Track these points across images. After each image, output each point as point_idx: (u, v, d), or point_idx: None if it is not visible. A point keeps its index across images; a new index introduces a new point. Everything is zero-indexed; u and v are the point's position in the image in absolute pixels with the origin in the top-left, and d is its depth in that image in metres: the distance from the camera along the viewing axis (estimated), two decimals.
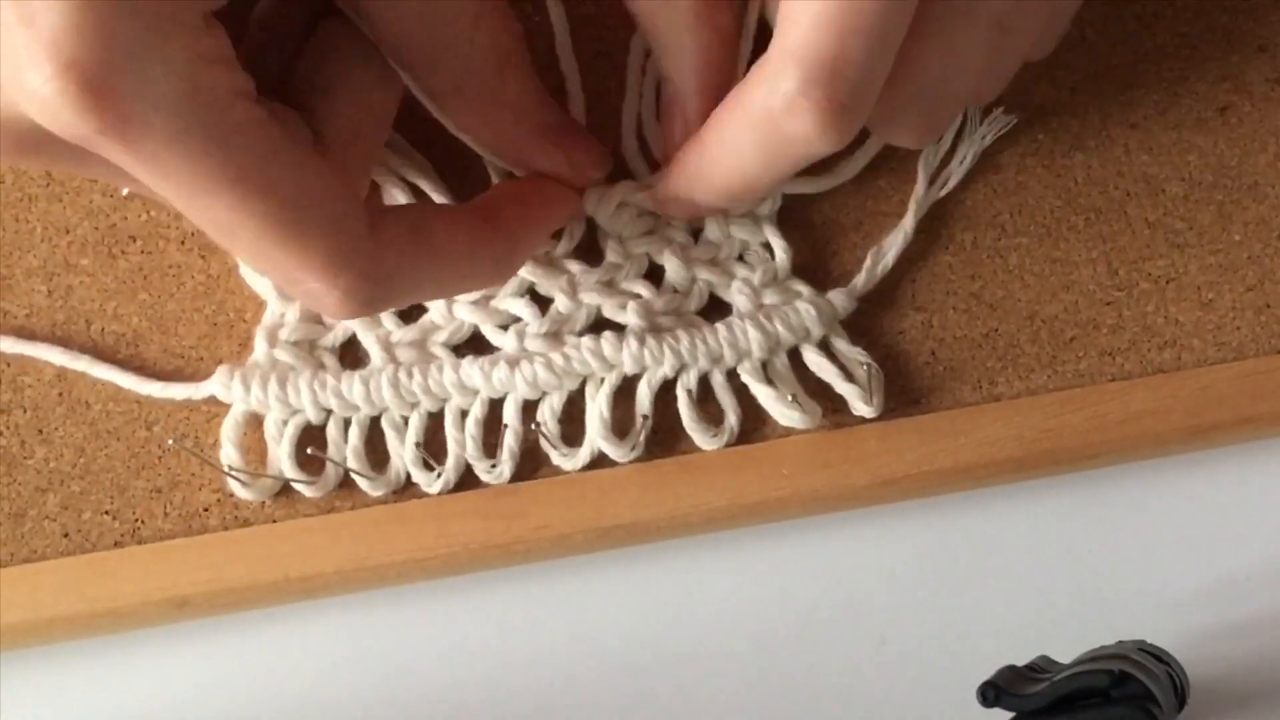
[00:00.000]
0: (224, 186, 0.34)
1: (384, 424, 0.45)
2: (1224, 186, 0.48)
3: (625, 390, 0.45)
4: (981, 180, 0.48)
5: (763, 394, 0.45)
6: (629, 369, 0.44)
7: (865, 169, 0.47)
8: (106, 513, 0.44)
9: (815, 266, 0.47)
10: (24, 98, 0.32)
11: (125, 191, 0.46)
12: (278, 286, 0.45)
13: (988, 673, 0.40)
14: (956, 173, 0.47)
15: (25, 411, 0.45)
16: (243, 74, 0.35)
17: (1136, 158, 0.48)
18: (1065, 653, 0.42)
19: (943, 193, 0.47)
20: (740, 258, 0.46)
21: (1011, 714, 0.40)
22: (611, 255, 0.46)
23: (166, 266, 0.46)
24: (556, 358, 0.44)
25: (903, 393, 0.45)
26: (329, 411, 0.44)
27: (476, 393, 0.45)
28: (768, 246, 0.46)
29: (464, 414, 0.45)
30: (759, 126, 0.38)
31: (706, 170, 0.41)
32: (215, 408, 0.45)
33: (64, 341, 0.45)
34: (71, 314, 0.46)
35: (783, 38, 0.37)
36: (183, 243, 0.46)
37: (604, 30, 0.48)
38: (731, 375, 0.45)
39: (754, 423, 0.45)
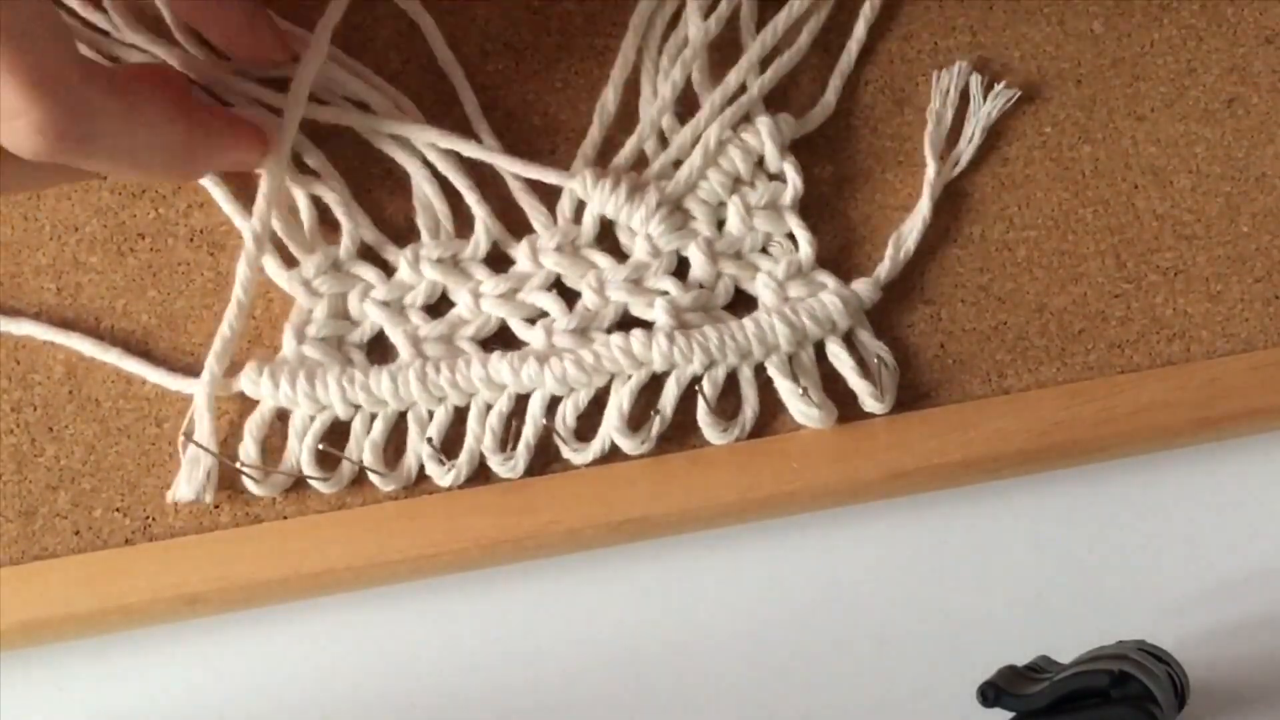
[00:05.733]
0: None
1: (410, 418, 0.45)
2: (1232, 178, 0.48)
3: (644, 385, 0.45)
4: (989, 173, 0.48)
5: (786, 389, 0.44)
6: (659, 367, 0.44)
7: (872, 163, 0.47)
8: (117, 510, 0.44)
9: (829, 260, 0.47)
10: None
11: None
12: None
13: (988, 673, 0.40)
14: (966, 152, 0.47)
15: (35, 409, 0.45)
16: None
17: (1144, 150, 0.48)
18: (1065, 653, 0.42)
19: (955, 172, 0.47)
20: (763, 249, 0.46)
21: (1011, 714, 0.40)
22: (640, 253, 0.46)
23: (176, 264, 0.46)
24: (587, 355, 0.44)
25: (912, 386, 0.45)
26: (357, 407, 0.44)
27: (504, 388, 0.44)
28: (791, 238, 0.46)
29: (487, 409, 0.45)
30: None
31: None
32: (226, 404, 0.45)
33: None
34: (81, 311, 0.46)
35: None
36: (191, 240, 0.46)
37: (606, 29, 0.48)
38: (757, 370, 0.45)
39: (764, 417, 0.45)
